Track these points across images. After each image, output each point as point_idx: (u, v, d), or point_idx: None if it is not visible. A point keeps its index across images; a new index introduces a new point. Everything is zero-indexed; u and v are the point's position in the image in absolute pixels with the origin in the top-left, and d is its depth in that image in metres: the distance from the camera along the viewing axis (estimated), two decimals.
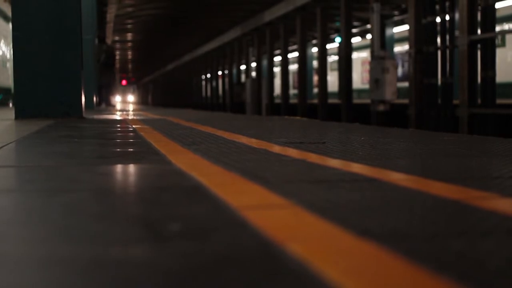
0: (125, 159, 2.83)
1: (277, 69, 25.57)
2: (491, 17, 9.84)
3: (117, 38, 31.76)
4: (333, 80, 25.77)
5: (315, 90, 25.76)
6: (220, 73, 31.81)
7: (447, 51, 10.94)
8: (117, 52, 36.69)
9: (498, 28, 12.07)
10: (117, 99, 69.87)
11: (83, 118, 7.65)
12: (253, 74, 24.33)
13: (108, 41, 29.45)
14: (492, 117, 9.80)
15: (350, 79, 15.03)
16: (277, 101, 21.99)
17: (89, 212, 1.55)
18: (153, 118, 8.13)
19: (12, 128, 5.69)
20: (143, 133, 4.67)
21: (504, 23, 17.59)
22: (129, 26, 27.40)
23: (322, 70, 16.93)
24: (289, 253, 1.13)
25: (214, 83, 33.33)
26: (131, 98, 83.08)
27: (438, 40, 11.07)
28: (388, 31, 23.17)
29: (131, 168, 2.50)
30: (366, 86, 21.62)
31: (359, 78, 27.46)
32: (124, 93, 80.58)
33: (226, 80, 29.77)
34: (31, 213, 1.57)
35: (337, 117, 14.99)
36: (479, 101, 9.99)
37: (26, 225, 1.43)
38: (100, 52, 17.82)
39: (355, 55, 18.96)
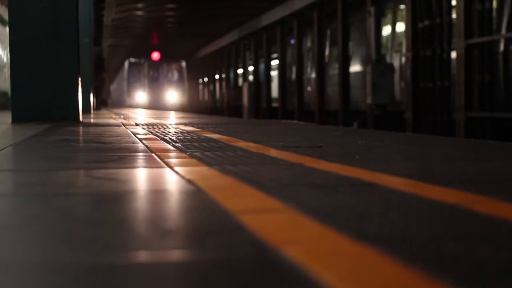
0: (122, 163, 2.82)
1: (274, 73, 25.60)
2: (488, 21, 9.86)
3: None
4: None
5: None
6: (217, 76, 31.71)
7: (444, 55, 10.96)
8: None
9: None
10: (139, 98, 37.02)
11: (80, 122, 7.64)
12: (250, 78, 24.34)
13: (105, 44, 29.35)
14: (489, 121, 9.82)
15: (347, 84, 15.04)
16: (274, 104, 21.99)
17: (85, 217, 1.55)
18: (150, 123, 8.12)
19: (8, 132, 5.68)
20: (140, 136, 4.66)
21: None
22: (126, 30, 27.35)
23: (319, 75, 16.95)
24: (285, 256, 1.12)
25: (211, 87, 33.31)
26: (173, 96, 38.08)
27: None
28: None
29: (128, 172, 2.49)
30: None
31: None
32: (154, 86, 37.85)
33: (223, 83, 29.78)
34: (27, 218, 1.56)
35: (334, 121, 15.01)
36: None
37: (22, 230, 1.42)
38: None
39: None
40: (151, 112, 17.36)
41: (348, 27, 15.16)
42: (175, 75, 38.62)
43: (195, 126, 6.68)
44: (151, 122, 8.25)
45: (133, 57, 38.43)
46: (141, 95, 38.11)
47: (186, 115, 13.52)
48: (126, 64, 38.95)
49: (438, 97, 10.99)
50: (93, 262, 1.10)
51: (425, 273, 1.02)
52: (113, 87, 49.43)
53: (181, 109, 34.05)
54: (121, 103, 39.84)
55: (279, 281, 1.00)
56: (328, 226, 1.38)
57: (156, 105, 35.36)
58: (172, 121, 8.24)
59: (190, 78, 39.03)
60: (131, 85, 38.76)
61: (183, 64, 38.74)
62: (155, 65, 38.26)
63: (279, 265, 1.08)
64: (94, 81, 18.26)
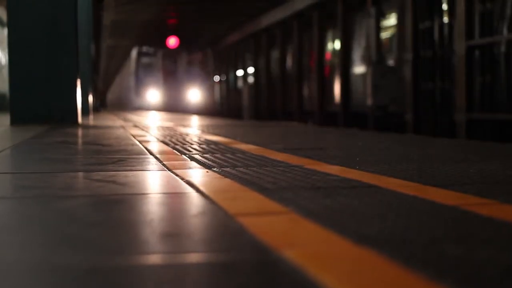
0: (121, 165, 2.81)
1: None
2: (489, 22, 9.86)
3: None
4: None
5: None
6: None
7: (445, 56, 10.96)
8: None
9: None
10: (151, 97, 27.54)
11: (79, 123, 7.63)
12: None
13: (105, 44, 29.27)
14: (490, 122, 9.81)
15: (348, 86, 15.05)
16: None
17: (85, 219, 1.54)
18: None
19: (7, 134, 5.67)
20: (140, 138, 4.66)
21: None
22: (125, 30, 27.31)
23: (320, 77, 16.96)
24: (286, 259, 1.12)
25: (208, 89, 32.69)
26: (196, 95, 29.20)
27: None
28: None
29: (127, 174, 2.48)
30: None
31: None
32: (172, 82, 29.34)
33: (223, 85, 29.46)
34: (26, 220, 1.55)
35: (334, 123, 15.02)
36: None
37: (21, 232, 1.41)
38: None
39: None
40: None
41: (348, 28, 15.16)
42: (199, 68, 28.85)
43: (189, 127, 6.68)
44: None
45: (143, 46, 29.00)
46: (154, 94, 28.60)
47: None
48: (134, 53, 29.23)
49: (439, 98, 10.99)
50: (93, 264, 1.10)
51: (426, 275, 1.01)
52: (114, 83, 45.68)
53: (207, 111, 26.66)
54: (127, 104, 32.06)
55: (280, 284, 0.99)
56: (329, 228, 1.37)
57: (174, 107, 27.10)
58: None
59: (218, 72, 28.79)
60: (140, 81, 28.96)
61: (209, 53, 28.50)
62: (172, 54, 28.51)
63: (279, 268, 1.07)
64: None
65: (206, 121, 9.73)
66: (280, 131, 6.12)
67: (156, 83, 28.94)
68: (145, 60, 29.23)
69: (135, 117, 12.61)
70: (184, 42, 27.17)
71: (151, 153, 3.33)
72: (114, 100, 44.66)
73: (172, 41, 26.54)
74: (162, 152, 3.38)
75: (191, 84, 28.80)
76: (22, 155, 3.44)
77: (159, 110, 25.93)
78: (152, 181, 2.32)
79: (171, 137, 4.85)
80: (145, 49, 28.95)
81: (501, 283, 0.99)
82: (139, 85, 29.27)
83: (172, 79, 28.90)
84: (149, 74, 29.12)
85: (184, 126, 7.24)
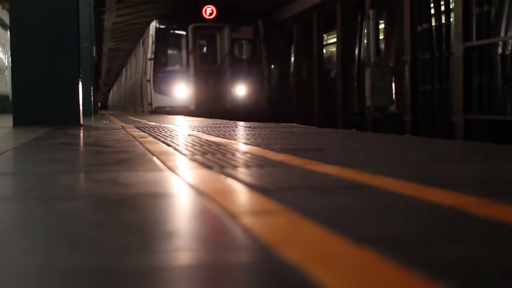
0: (122, 166, 2.83)
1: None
2: (486, 24, 9.86)
3: None
4: None
5: None
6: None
7: (443, 58, 10.97)
8: None
9: None
10: (178, 93, 17.96)
11: (81, 125, 7.65)
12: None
13: (105, 48, 29.31)
14: (488, 123, 9.81)
15: (346, 86, 15.06)
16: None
17: (87, 219, 1.55)
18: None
19: (10, 136, 5.68)
20: (140, 138, 4.66)
21: None
22: (125, 34, 27.32)
23: (320, 79, 16.96)
24: (286, 259, 1.13)
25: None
26: (243, 90, 17.35)
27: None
28: None
29: (129, 175, 2.50)
30: None
31: None
32: (207, 71, 17.63)
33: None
34: (28, 221, 1.56)
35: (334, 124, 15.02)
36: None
37: (24, 233, 1.43)
38: None
39: None
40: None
41: (346, 30, 15.17)
42: (247, 49, 18.80)
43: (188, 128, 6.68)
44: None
45: (166, 20, 19.10)
46: (181, 89, 18.39)
47: None
48: (152, 29, 19.22)
49: (437, 99, 10.99)
50: (95, 264, 1.11)
51: (426, 275, 1.02)
52: (118, 81, 42.36)
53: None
54: (137, 105, 23.38)
55: (279, 284, 1.00)
56: (328, 228, 1.38)
57: (211, 108, 17.93)
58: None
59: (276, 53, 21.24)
60: (161, 70, 18.80)
61: (259, 25, 19.08)
62: (207, 30, 18.80)
63: (279, 268, 1.08)
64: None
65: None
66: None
67: (184, 73, 18.67)
68: (167, 40, 19.06)
69: (138, 119, 12.59)
70: (225, 11, 18.74)
71: (152, 154, 3.34)
72: (117, 102, 42.15)
73: (209, 11, 18.60)
74: (163, 153, 3.39)
75: (235, 74, 18.56)
76: (25, 157, 3.45)
77: (189, 114, 16.93)
78: (154, 181, 2.33)
79: (173, 138, 4.86)
80: (168, 24, 19.08)
81: (501, 282, 1.00)
82: (159, 75, 18.92)
83: (207, 66, 18.77)
84: (173, 60, 19.12)
85: (186, 127, 7.24)
